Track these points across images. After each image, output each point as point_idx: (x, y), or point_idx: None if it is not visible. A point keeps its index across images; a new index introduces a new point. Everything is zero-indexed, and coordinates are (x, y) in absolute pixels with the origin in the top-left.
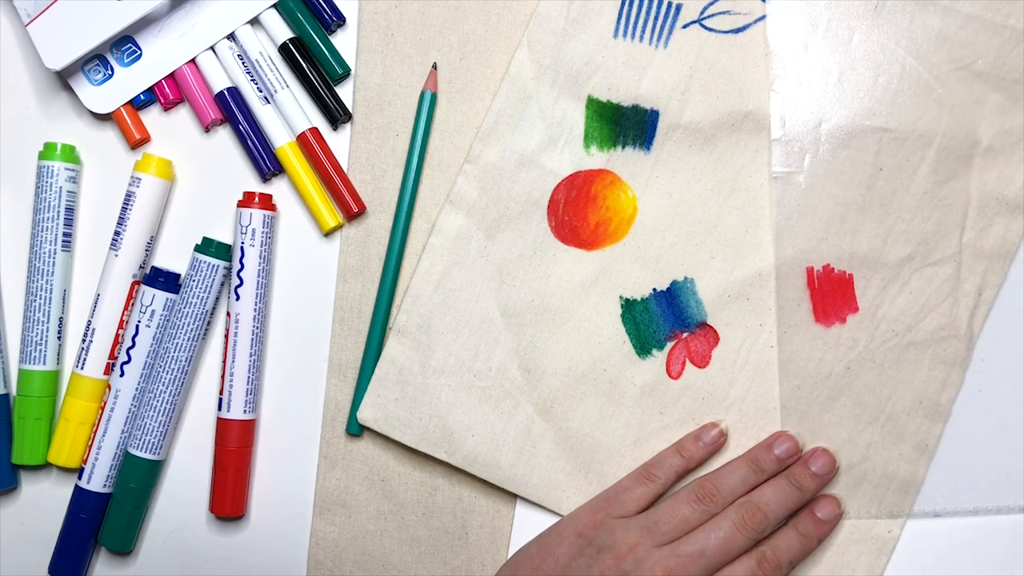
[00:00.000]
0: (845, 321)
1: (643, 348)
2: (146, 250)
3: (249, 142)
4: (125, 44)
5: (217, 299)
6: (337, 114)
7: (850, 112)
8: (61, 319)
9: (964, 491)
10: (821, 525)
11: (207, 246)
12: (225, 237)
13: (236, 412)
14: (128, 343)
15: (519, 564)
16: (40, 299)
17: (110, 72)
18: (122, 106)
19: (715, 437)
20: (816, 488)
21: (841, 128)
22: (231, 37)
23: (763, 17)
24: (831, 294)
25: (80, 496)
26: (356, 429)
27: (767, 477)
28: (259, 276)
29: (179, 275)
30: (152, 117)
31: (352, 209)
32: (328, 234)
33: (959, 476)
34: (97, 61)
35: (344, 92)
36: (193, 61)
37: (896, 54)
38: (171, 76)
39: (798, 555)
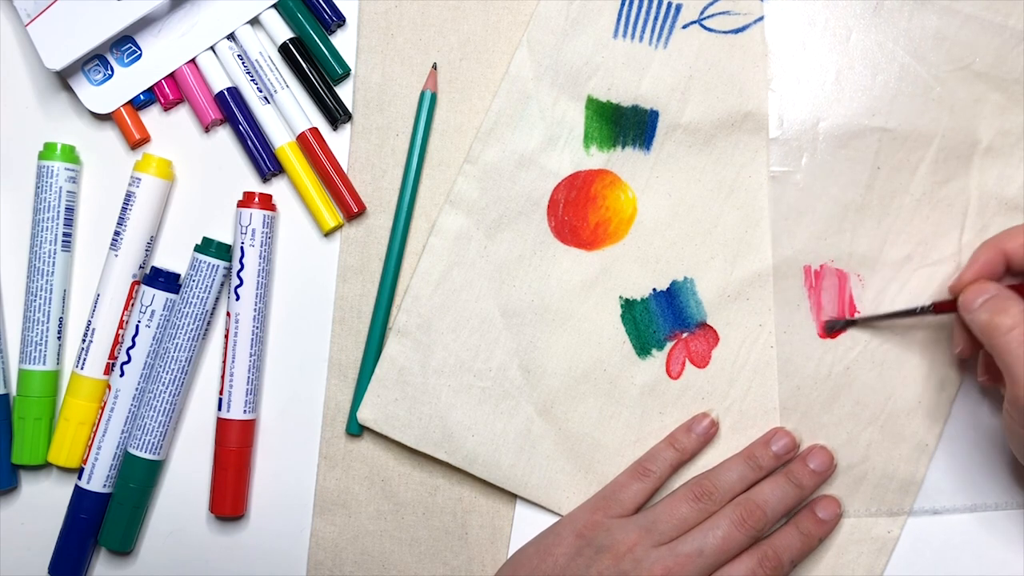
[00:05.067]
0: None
1: (643, 348)
2: (146, 250)
3: (249, 142)
4: (125, 44)
5: (217, 299)
6: (337, 114)
7: (848, 111)
8: (61, 319)
9: (963, 489)
10: (822, 524)
11: (207, 246)
12: (225, 237)
13: (236, 412)
14: (128, 343)
15: (518, 565)
16: (40, 299)
17: (110, 72)
18: (122, 106)
19: (707, 427)
20: (815, 486)
21: (839, 127)
22: (231, 37)
23: (763, 17)
24: (829, 293)
25: (80, 496)
26: (356, 429)
27: (765, 474)
28: (259, 276)
29: (179, 275)
30: (152, 117)
31: (352, 209)
32: (328, 234)
33: (958, 475)
34: (97, 61)
35: (344, 92)
36: (193, 61)
37: (895, 53)
38: (171, 76)
39: (799, 554)
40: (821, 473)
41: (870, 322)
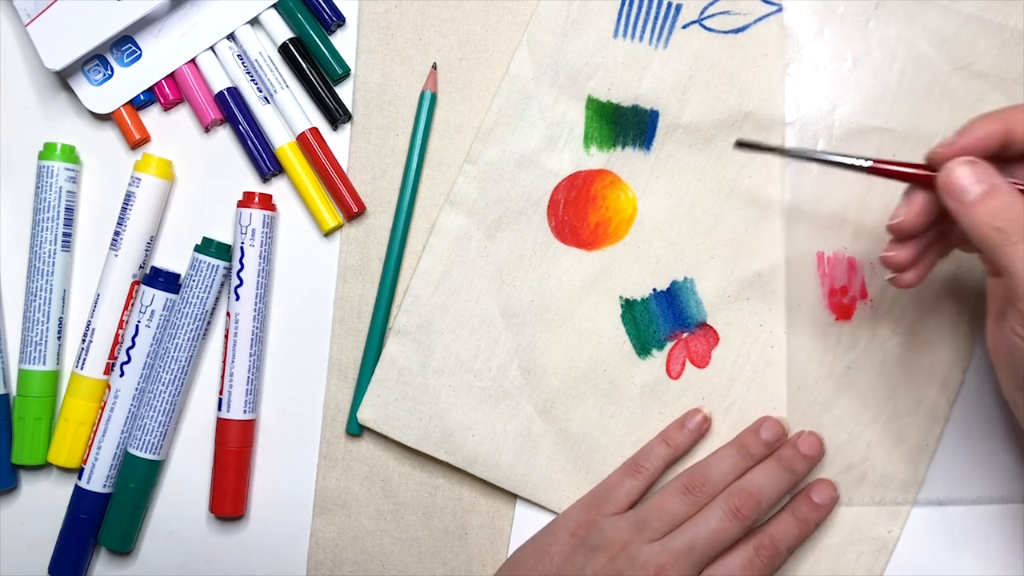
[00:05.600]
0: (855, 307)
1: (643, 348)
2: (146, 250)
3: (249, 142)
4: (125, 44)
5: (217, 299)
6: (337, 114)
7: (863, 100)
8: (61, 319)
9: (964, 485)
10: (818, 509)
11: (207, 246)
12: (225, 237)
13: (236, 412)
14: (128, 343)
15: (515, 565)
16: (40, 299)
17: (110, 72)
18: (122, 106)
19: (699, 423)
20: (806, 470)
21: (854, 114)
22: (231, 37)
23: (763, 17)
24: (841, 279)
25: (80, 496)
26: (356, 429)
27: (756, 462)
28: (259, 276)
29: (179, 275)
30: (152, 117)
31: (352, 209)
32: (328, 234)
33: (959, 472)
34: (97, 61)
35: (344, 92)
36: (193, 61)
37: (912, 42)
38: (171, 76)
39: (795, 541)
40: (812, 457)
41: (788, 156)
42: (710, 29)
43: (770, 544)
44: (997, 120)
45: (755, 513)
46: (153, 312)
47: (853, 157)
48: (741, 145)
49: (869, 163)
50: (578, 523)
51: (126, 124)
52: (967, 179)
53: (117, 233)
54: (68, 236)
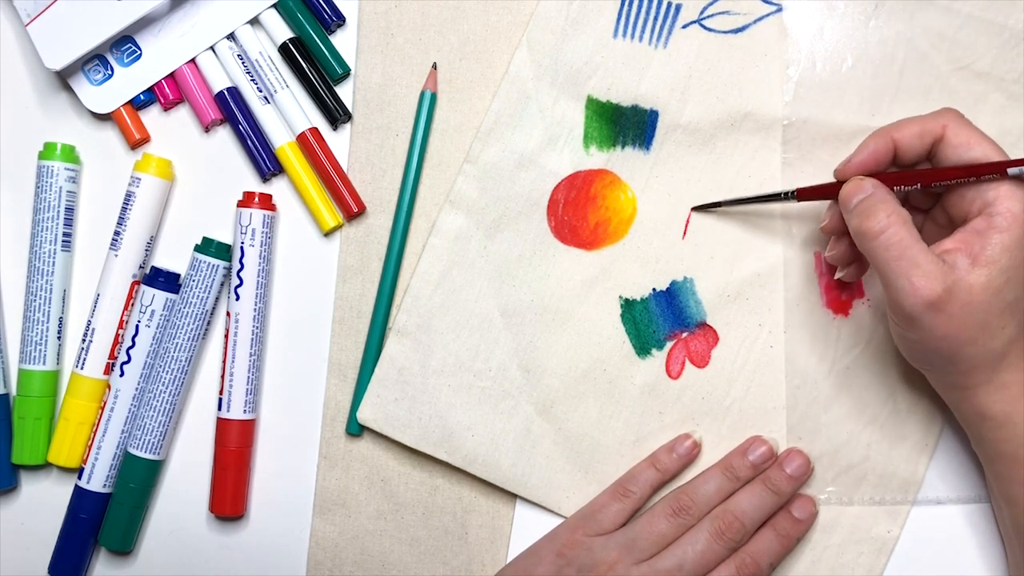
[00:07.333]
0: (852, 306)
1: (643, 348)
2: (146, 250)
3: (249, 142)
4: (125, 44)
5: (217, 299)
6: (337, 114)
7: (858, 100)
8: (61, 319)
9: (964, 483)
10: (799, 524)
11: (207, 246)
12: (225, 237)
13: (236, 412)
14: (128, 343)
15: None
16: (40, 299)
17: (110, 72)
18: (122, 106)
19: (688, 448)
20: (792, 490)
21: (850, 116)
22: (231, 37)
23: (763, 17)
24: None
25: (80, 496)
26: (356, 429)
27: (742, 484)
28: (259, 276)
29: (179, 275)
30: (152, 117)
31: (352, 209)
32: (328, 234)
33: (959, 473)
34: (97, 61)
35: (344, 92)
36: (193, 61)
37: (912, 42)
38: (171, 76)
39: (777, 557)
40: (799, 478)
41: (733, 205)
42: (710, 29)
43: (752, 562)
44: (883, 136)
45: (740, 535)
46: (153, 312)
47: (782, 192)
48: (697, 209)
49: (794, 191)
50: (564, 543)
51: (126, 124)
52: (850, 191)
53: (117, 233)
54: (68, 236)
